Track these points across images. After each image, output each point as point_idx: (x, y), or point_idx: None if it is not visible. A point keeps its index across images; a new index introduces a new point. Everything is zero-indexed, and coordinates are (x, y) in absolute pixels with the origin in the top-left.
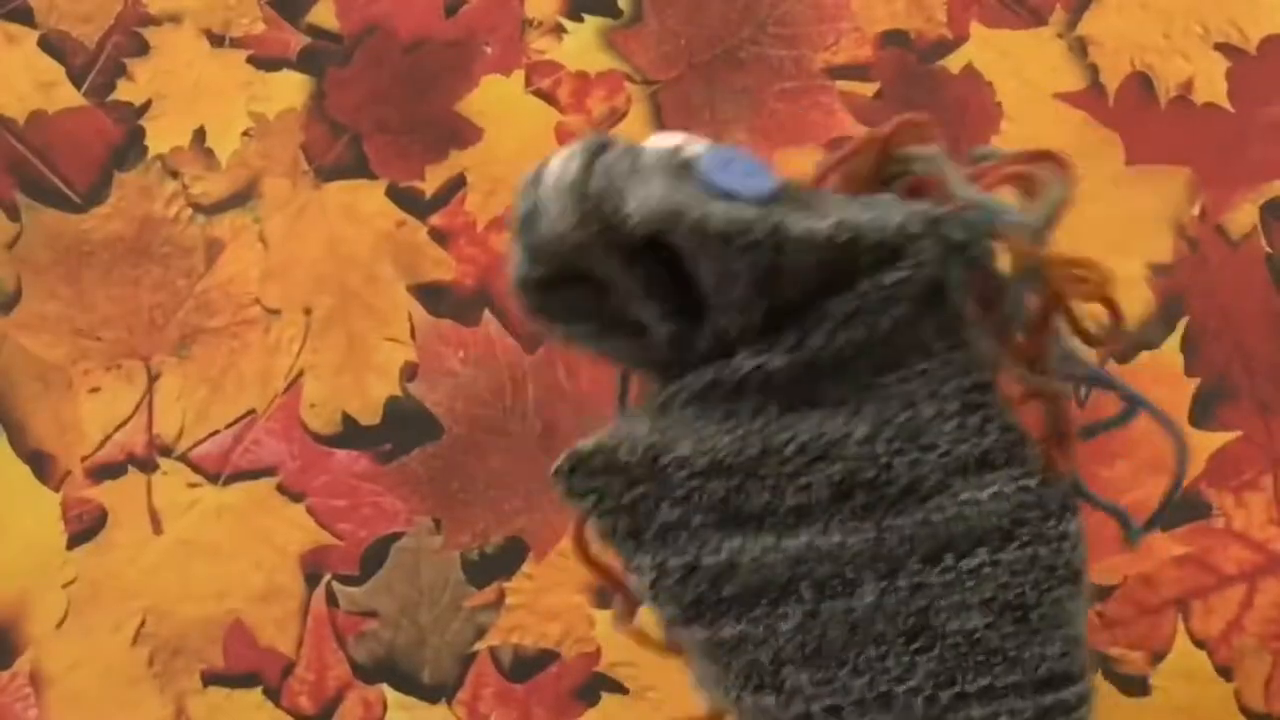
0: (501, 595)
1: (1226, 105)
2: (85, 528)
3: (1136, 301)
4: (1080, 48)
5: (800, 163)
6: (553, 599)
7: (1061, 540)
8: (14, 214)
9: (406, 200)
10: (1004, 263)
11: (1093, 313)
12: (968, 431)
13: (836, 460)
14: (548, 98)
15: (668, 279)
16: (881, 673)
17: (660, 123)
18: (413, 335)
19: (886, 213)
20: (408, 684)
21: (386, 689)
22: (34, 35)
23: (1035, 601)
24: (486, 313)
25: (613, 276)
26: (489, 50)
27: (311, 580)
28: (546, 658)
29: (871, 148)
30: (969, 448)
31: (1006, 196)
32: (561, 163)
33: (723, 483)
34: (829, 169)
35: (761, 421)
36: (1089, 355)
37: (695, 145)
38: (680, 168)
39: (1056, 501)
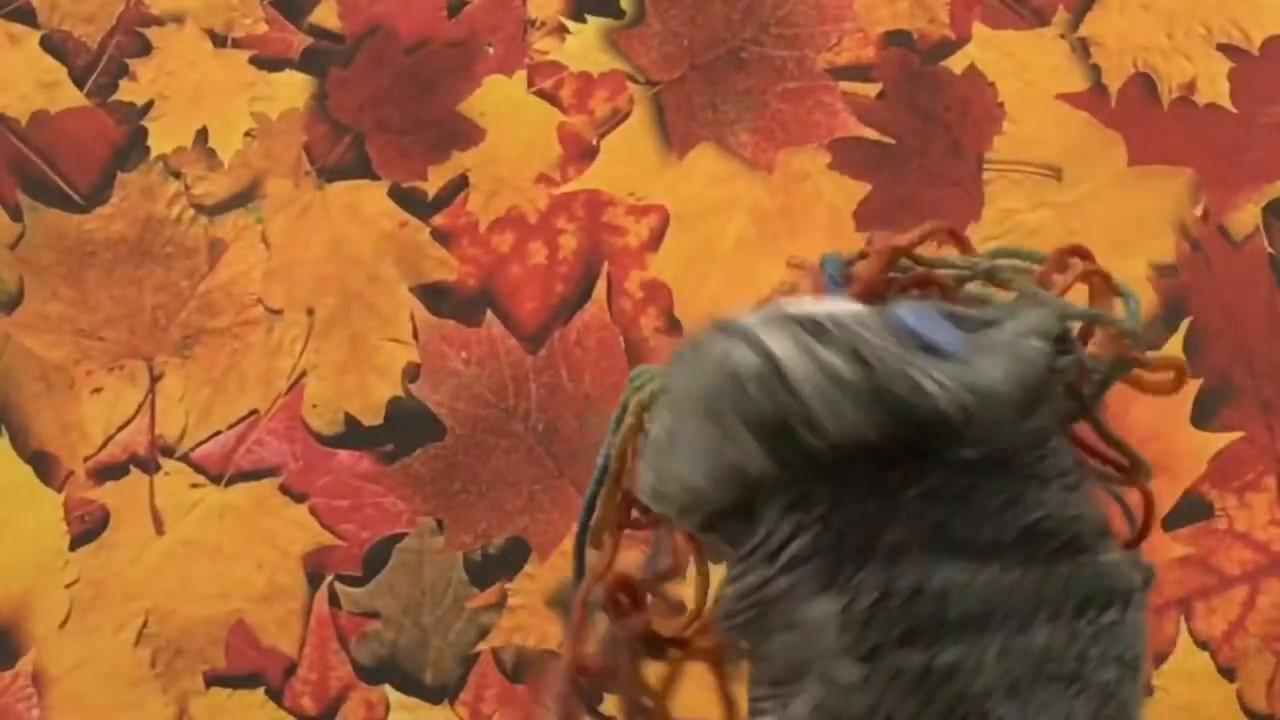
0: (504, 596)
1: (1229, 106)
2: (87, 528)
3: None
4: (1083, 48)
5: (803, 162)
6: (555, 599)
7: (1146, 611)
8: (16, 214)
9: (409, 200)
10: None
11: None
12: (1092, 502)
13: (1027, 508)
14: (550, 98)
15: None
16: (1056, 713)
17: (662, 123)
18: (415, 336)
19: (1044, 322)
20: (410, 685)
21: (389, 690)
22: (36, 35)
23: (1142, 664)
24: (489, 313)
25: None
26: (491, 50)
27: (314, 581)
28: (549, 658)
29: (890, 257)
30: (1099, 515)
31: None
32: (814, 360)
33: (938, 509)
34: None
35: (966, 481)
36: None
37: (888, 312)
38: (904, 337)
39: (1148, 571)
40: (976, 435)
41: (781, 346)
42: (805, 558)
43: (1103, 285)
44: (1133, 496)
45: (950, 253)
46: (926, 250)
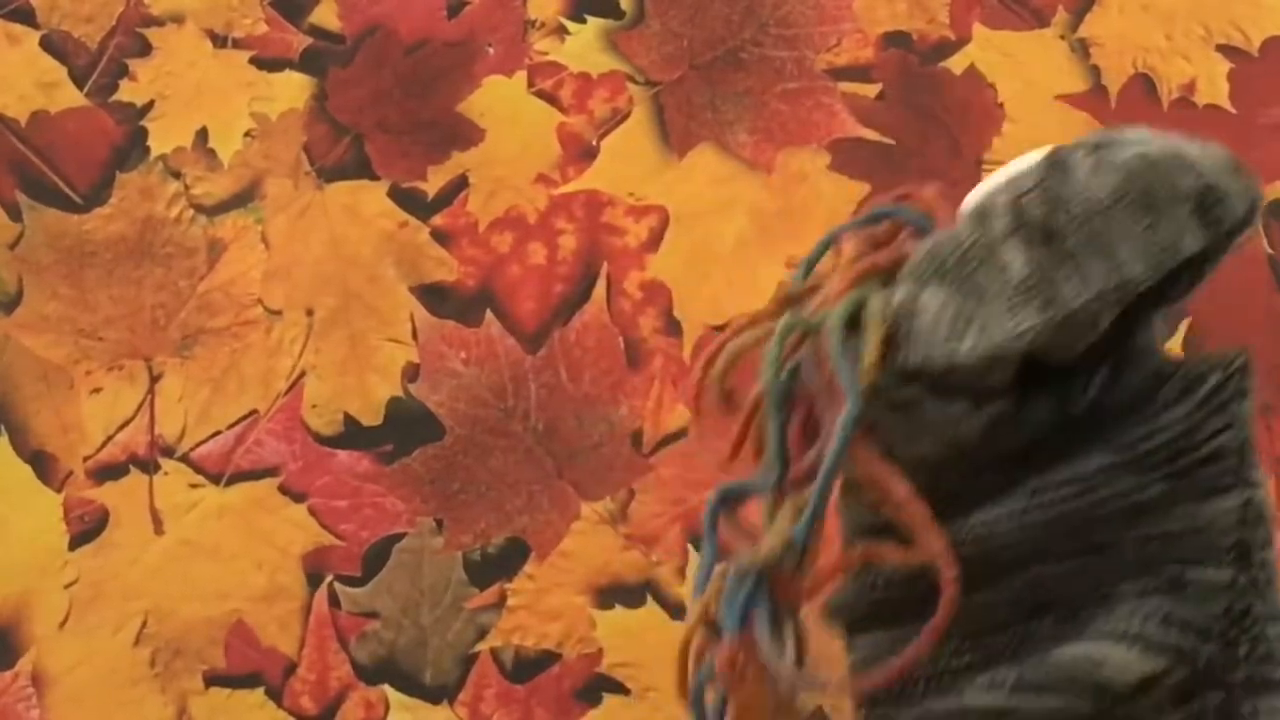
0: (503, 596)
1: (1228, 107)
2: (87, 528)
3: None
4: (1082, 49)
5: (802, 163)
6: (554, 599)
7: None
8: (16, 214)
9: (408, 201)
10: None
11: None
12: None
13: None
14: (550, 99)
15: None
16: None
17: (662, 123)
18: (414, 336)
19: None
20: (409, 685)
21: (388, 689)
22: (36, 35)
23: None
24: (488, 313)
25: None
26: (491, 51)
27: (313, 581)
28: (548, 658)
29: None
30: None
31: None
32: (1202, 148)
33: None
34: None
35: None
36: None
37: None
38: None
39: None
40: None
41: (1171, 139)
42: (1227, 452)
43: None
44: None
45: None
46: None
